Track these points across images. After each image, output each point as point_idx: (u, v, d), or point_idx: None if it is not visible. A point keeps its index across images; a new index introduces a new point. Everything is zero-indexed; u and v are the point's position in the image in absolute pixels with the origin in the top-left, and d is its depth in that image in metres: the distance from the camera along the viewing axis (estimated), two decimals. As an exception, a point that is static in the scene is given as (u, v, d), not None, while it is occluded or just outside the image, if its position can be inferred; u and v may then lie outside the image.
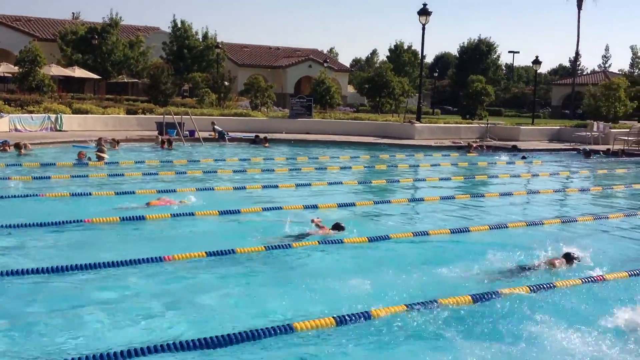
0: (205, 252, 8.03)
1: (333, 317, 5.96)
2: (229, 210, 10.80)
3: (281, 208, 11.31)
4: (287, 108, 35.19)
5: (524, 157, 23.14)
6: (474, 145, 25.28)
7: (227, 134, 25.58)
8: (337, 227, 9.55)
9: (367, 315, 6.08)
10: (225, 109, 33.18)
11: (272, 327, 5.68)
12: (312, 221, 9.52)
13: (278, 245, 8.53)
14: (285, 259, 8.28)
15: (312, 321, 5.86)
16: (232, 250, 8.18)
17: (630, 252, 9.09)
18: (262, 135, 24.87)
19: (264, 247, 8.44)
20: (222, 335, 5.47)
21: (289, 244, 8.62)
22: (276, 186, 14.15)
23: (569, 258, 8.16)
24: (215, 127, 25.52)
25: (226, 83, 37.46)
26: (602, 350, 5.62)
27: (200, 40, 49.40)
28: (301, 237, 9.16)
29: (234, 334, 5.53)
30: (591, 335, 5.89)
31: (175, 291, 6.94)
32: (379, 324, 6.05)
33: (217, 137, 25.12)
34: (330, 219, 10.07)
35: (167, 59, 46.64)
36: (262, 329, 5.63)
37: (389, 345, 5.76)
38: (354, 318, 6.01)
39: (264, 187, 13.96)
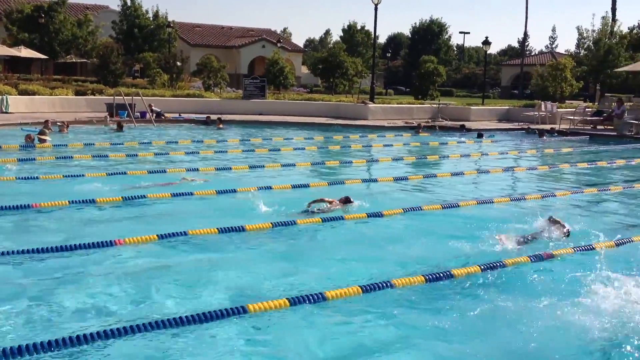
0: (157, 235, 7.98)
1: (287, 299, 6.01)
2: (182, 193, 10.74)
3: (235, 190, 11.26)
4: (241, 89, 34.90)
5: (480, 135, 23.51)
6: (423, 124, 25.60)
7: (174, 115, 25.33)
8: (347, 200, 10.13)
9: (321, 297, 6.14)
10: (178, 89, 32.74)
11: (225, 309, 5.70)
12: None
13: (230, 228, 8.51)
14: (234, 240, 8.27)
15: (265, 302, 5.89)
16: (184, 232, 8.15)
17: (578, 229, 9.33)
18: (215, 117, 24.64)
19: (217, 229, 8.42)
20: (168, 319, 5.47)
21: (242, 227, 8.60)
22: (229, 168, 14.10)
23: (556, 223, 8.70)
24: (154, 108, 25.11)
25: (178, 63, 36.95)
26: (546, 328, 5.81)
27: (151, 19, 48.49)
28: (313, 213, 9.64)
29: (179, 317, 5.52)
30: (536, 314, 6.09)
31: (127, 275, 6.88)
32: (333, 305, 6.13)
33: (154, 117, 24.48)
34: (291, 197, 10.14)
35: (117, 39, 45.64)
36: (215, 311, 5.64)
37: (344, 327, 5.83)
38: (308, 300, 6.07)
39: (218, 169, 13.88)
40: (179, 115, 26.01)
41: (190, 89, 33.76)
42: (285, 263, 7.50)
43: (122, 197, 10.16)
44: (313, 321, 5.82)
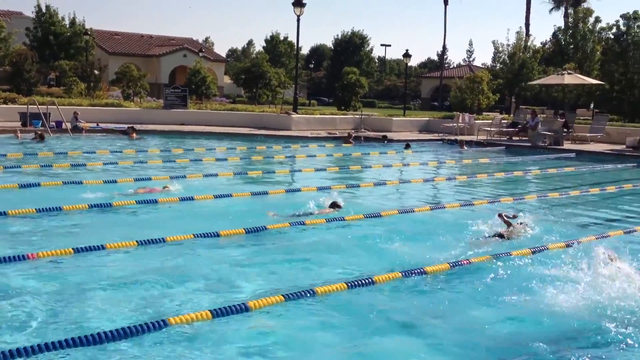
0: (72, 249, 7.68)
1: (209, 311, 5.88)
2: (99, 204, 10.42)
3: (156, 201, 11.01)
4: (162, 98, 34.31)
5: (407, 146, 23.89)
6: (353, 134, 25.82)
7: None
8: (335, 205, 10.58)
9: (244, 308, 6.05)
10: (95, 98, 31.88)
11: (145, 324, 5.52)
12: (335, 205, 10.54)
13: (150, 241, 8.30)
14: (155, 253, 8.08)
15: (187, 315, 5.75)
16: (102, 246, 7.89)
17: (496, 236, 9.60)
18: (127, 126, 23.87)
19: (137, 242, 8.20)
20: (94, 334, 5.26)
21: (163, 239, 8.39)
22: (149, 178, 13.76)
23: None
24: (79, 117, 24.38)
25: (96, 72, 36.06)
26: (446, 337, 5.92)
27: (67, 26, 47.07)
28: (306, 215, 10.12)
29: (104, 332, 5.32)
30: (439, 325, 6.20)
31: (41, 291, 6.58)
32: (257, 315, 6.05)
33: (71, 127, 23.61)
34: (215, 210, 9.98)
35: (32, 46, 44.09)
36: (134, 326, 5.45)
37: (269, 337, 5.77)
38: (230, 311, 5.96)
39: (137, 179, 13.52)
40: (97, 124, 25.29)
41: (108, 98, 32.93)
42: (208, 274, 7.36)
43: (35, 209, 9.75)
44: (236, 332, 5.72)
